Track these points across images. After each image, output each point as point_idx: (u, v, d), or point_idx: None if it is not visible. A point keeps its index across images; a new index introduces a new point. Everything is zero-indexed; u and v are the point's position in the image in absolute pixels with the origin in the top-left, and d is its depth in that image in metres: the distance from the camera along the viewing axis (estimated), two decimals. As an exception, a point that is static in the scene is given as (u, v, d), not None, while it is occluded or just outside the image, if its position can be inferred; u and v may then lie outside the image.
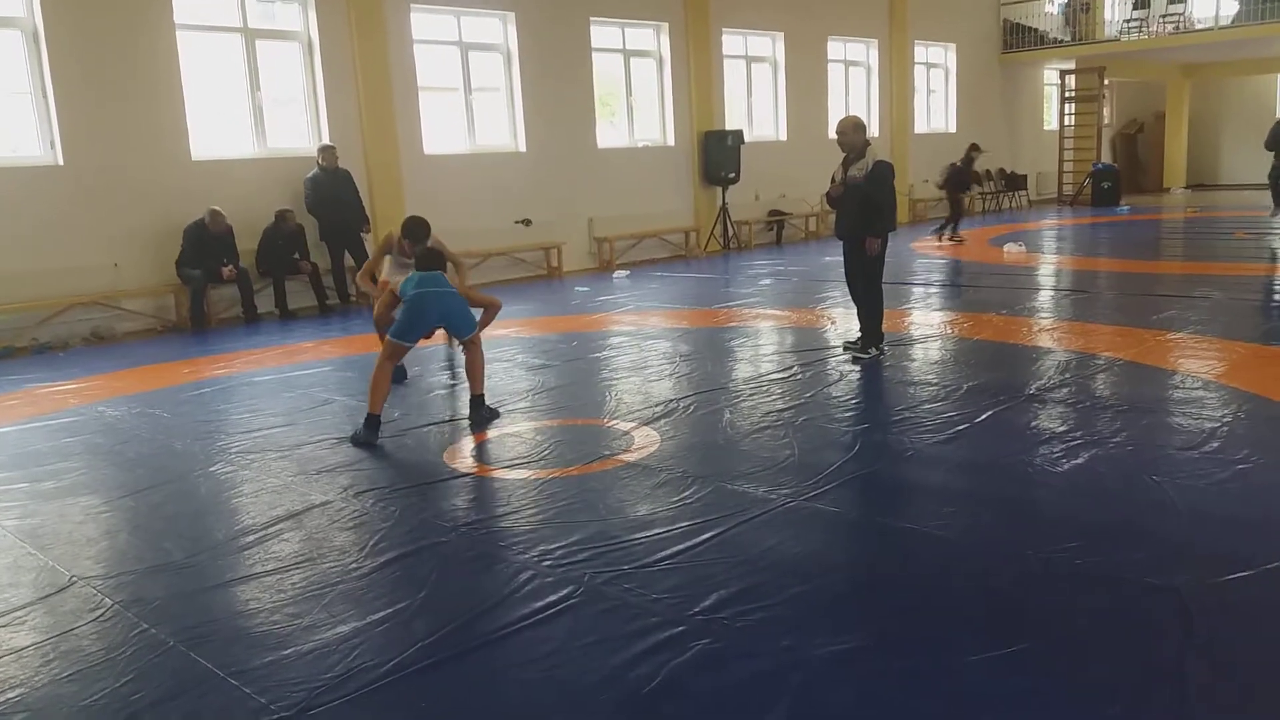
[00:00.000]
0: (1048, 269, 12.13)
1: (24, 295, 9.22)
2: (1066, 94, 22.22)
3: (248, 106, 10.92)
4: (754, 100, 16.77)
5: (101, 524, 4.53)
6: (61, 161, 9.50)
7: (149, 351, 8.96)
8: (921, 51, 19.82)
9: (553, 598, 3.50)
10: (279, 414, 6.25)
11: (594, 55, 14.00)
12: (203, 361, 8.27)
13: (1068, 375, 6.46)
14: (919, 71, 19.90)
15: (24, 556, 4.13)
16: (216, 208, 9.82)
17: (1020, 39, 21.54)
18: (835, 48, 17.86)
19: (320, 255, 10.93)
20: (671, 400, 6.22)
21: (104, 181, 9.69)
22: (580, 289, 11.92)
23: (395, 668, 3.08)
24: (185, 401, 6.84)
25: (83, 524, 4.52)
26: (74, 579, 3.86)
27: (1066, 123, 22.31)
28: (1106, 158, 23.30)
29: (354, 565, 3.91)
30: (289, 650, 3.21)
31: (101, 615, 3.54)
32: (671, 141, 15.15)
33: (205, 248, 9.80)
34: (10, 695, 3.02)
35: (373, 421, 5.53)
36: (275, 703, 2.89)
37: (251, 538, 4.24)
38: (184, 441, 5.79)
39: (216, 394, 7.02)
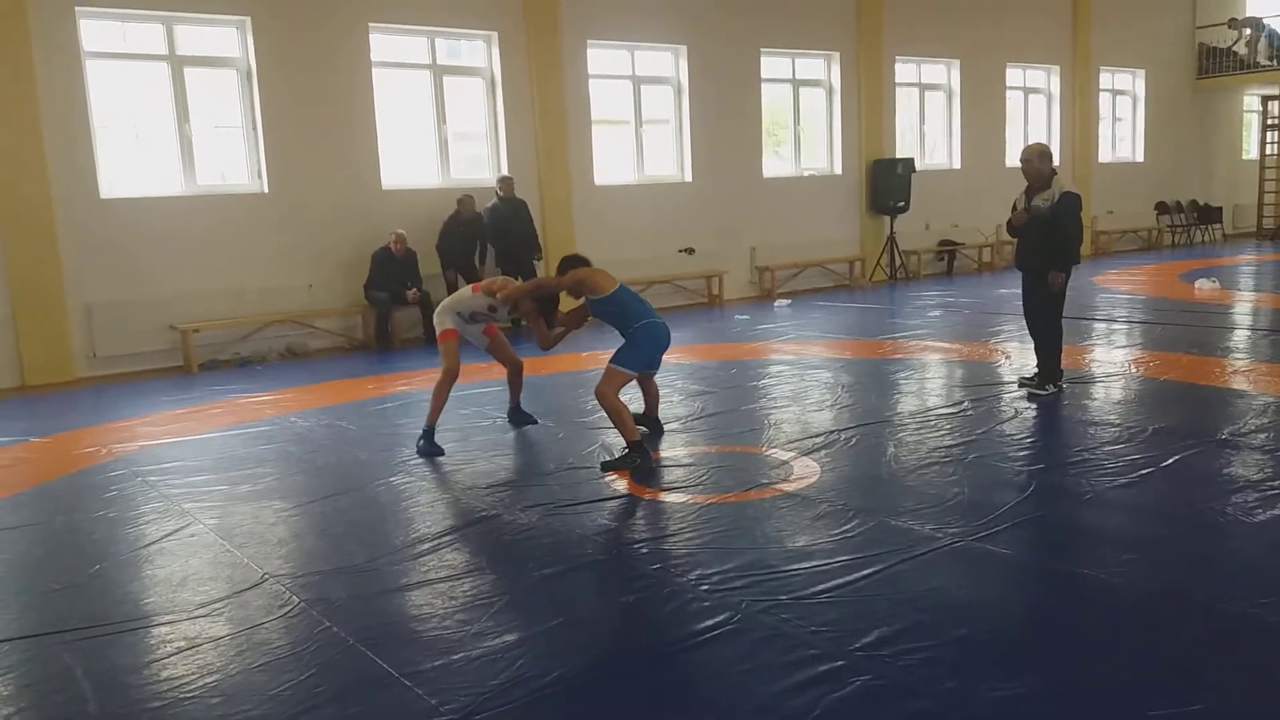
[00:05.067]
0: (1244, 307, 11.32)
1: (230, 312, 10.01)
2: (1269, 121, 20.73)
3: (434, 139, 11.52)
4: (927, 128, 16.43)
5: (291, 526, 4.86)
6: (267, 190, 10.28)
7: (337, 368, 9.54)
8: (1107, 78, 18.94)
9: (710, 622, 3.52)
10: (454, 430, 6.53)
11: (763, 86, 14.07)
12: (386, 378, 8.75)
13: (1266, 420, 6.01)
14: (1104, 98, 19.02)
15: (222, 553, 4.47)
16: (400, 231, 10.38)
17: (1218, 63, 20.26)
18: (1014, 75, 17.30)
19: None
20: (832, 431, 6.15)
21: (303, 208, 10.43)
22: (741, 317, 11.94)
23: (557, 679, 3.17)
24: (369, 415, 7.25)
25: (274, 525, 4.86)
26: (266, 576, 4.16)
27: (1268, 151, 20.79)
28: (1315, 189, 21.55)
29: (520, 577, 4.06)
30: (458, 655, 3.36)
31: (289, 611, 3.79)
32: (839, 170, 15.01)
33: (391, 272, 10.37)
34: (209, 680, 3.28)
35: (639, 446, 5.53)
36: (444, 705, 3.03)
37: (426, 545, 4.45)
38: (367, 452, 6.13)
39: (398, 409, 7.41)
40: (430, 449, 5.98)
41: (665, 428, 6.33)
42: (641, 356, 5.73)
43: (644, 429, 6.06)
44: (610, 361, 5.66)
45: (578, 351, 9.51)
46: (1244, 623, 3.37)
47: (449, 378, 6.10)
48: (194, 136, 10.01)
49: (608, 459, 5.61)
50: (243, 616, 3.78)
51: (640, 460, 5.47)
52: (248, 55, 10.11)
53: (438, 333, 6.22)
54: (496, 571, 4.14)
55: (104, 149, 9.55)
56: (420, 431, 6.10)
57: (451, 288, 11.23)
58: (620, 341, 5.80)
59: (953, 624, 3.45)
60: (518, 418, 6.63)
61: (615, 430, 5.62)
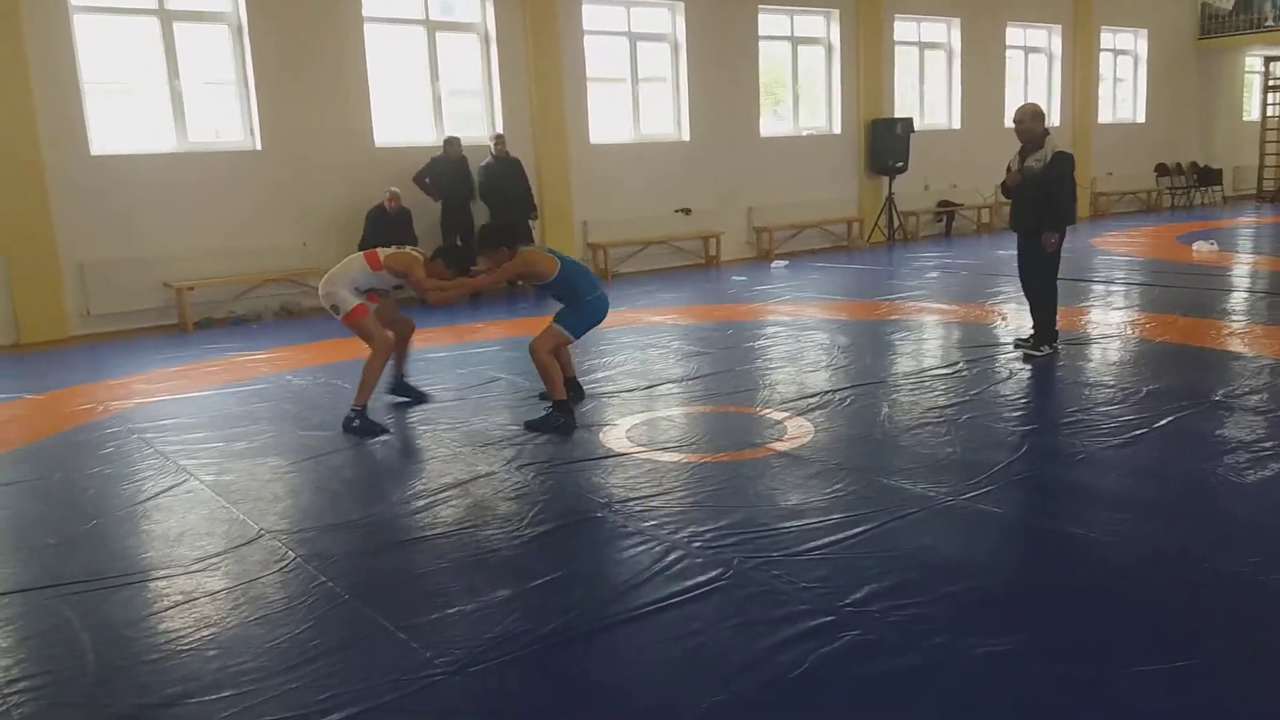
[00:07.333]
0: (1242, 269, 11.30)
1: (224, 271, 9.96)
2: (1271, 82, 20.58)
3: (428, 96, 11.41)
4: (926, 87, 16.30)
5: (287, 483, 4.88)
6: (260, 147, 10.20)
7: (332, 327, 9.43)
8: (1109, 38, 18.76)
9: (701, 578, 3.55)
10: (450, 389, 6.54)
11: (761, 43, 13.92)
12: (379, 337, 8.71)
13: (1261, 381, 6.03)
14: (1105, 59, 18.85)
15: (219, 510, 4.49)
16: (394, 189, 10.31)
17: (1221, 23, 20.06)
18: (1015, 34, 17.13)
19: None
20: (827, 392, 6.16)
21: (296, 166, 10.35)
22: (737, 278, 11.91)
23: (550, 634, 3.20)
24: (363, 374, 7.23)
25: (270, 482, 4.87)
26: (262, 532, 4.18)
27: (1270, 113, 20.66)
28: (1316, 151, 21.44)
29: (514, 534, 4.08)
30: (453, 610, 3.39)
31: (285, 566, 3.82)
32: (837, 130, 14.91)
33: (386, 230, 10.28)
34: (206, 633, 3.31)
35: (565, 406, 5.61)
36: (438, 658, 3.06)
37: (422, 502, 4.48)
38: (361, 411, 6.13)
39: (392, 367, 7.37)
40: (369, 427, 5.56)
41: (649, 387, 6.36)
42: (586, 326, 5.76)
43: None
44: (554, 320, 5.68)
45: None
46: (1234, 582, 3.40)
47: (384, 354, 5.73)
48: (185, 92, 9.90)
49: (530, 419, 5.64)
50: (239, 571, 3.80)
51: (564, 421, 5.53)
52: (238, 9, 9.97)
53: (340, 313, 5.69)
54: (491, 528, 4.16)
55: (94, 105, 9.44)
56: (350, 412, 5.64)
57: (449, 227, 11.00)
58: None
59: (942, 581, 3.48)
60: (403, 390, 6.26)
61: (615, 395, 5.62)
